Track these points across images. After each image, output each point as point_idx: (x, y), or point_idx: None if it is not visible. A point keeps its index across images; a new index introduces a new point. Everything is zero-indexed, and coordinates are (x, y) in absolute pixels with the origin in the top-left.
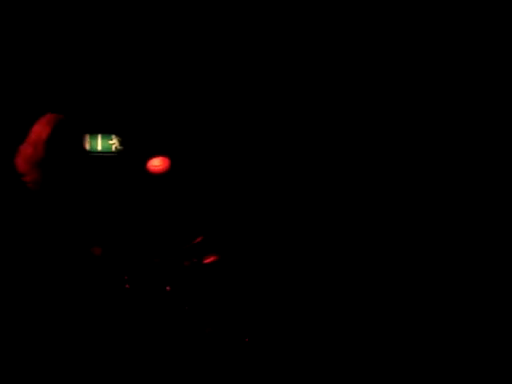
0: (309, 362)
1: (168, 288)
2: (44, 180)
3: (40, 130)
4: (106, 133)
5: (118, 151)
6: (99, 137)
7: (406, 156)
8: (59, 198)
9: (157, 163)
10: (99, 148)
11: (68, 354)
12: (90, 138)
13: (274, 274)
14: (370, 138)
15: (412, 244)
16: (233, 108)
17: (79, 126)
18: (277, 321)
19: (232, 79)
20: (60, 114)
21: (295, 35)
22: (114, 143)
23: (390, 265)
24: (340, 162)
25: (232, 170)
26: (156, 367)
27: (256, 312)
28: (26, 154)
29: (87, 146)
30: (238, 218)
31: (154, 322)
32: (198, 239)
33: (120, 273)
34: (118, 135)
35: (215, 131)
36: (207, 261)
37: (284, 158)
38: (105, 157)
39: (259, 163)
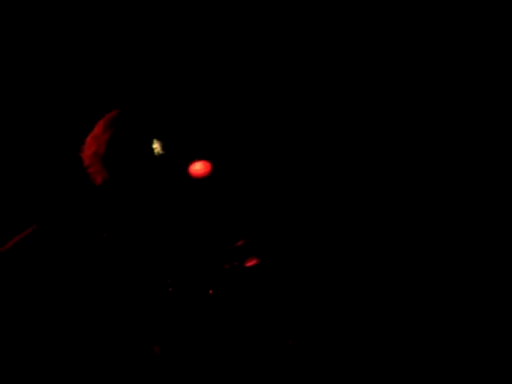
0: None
1: (211, 291)
2: (105, 174)
3: (102, 128)
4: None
5: (159, 155)
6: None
7: (405, 156)
8: (119, 194)
9: (198, 167)
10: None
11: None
12: None
13: (313, 277)
14: (370, 137)
15: (412, 243)
16: (271, 115)
17: (146, 126)
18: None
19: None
20: (125, 112)
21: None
22: (156, 147)
23: (390, 264)
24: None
25: (273, 174)
26: (195, 366)
27: (295, 315)
28: (89, 149)
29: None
30: (278, 221)
31: (195, 324)
32: (240, 243)
33: (163, 276)
34: (159, 139)
35: (257, 136)
36: (248, 264)
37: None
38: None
39: (299, 168)
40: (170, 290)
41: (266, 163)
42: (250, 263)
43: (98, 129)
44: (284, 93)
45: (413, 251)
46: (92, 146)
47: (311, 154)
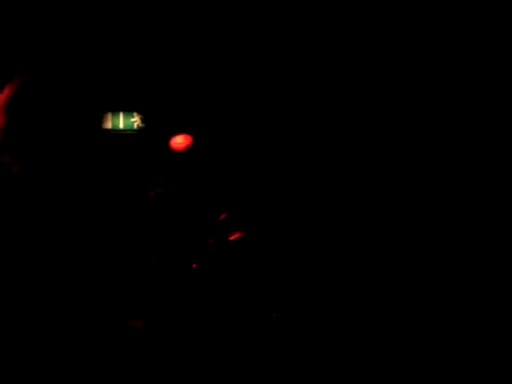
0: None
1: (194, 265)
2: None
3: (3, 94)
4: (128, 111)
5: (139, 129)
6: (121, 115)
7: (405, 156)
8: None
9: (179, 141)
10: (121, 126)
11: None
12: (112, 116)
13: (297, 251)
14: (370, 137)
15: (412, 243)
16: (257, 86)
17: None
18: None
19: (252, 58)
20: (25, 76)
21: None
22: (135, 121)
23: (390, 264)
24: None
25: (256, 147)
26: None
27: (280, 290)
28: None
29: (108, 125)
30: (261, 195)
31: (181, 299)
32: (222, 216)
33: (147, 251)
34: (139, 113)
35: (239, 109)
36: (232, 238)
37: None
38: (127, 135)
39: (284, 140)
40: (154, 265)
41: (249, 134)
42: (234, 237)
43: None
44: (265, 69)
45: (413, 250)
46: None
47: (295, 126)
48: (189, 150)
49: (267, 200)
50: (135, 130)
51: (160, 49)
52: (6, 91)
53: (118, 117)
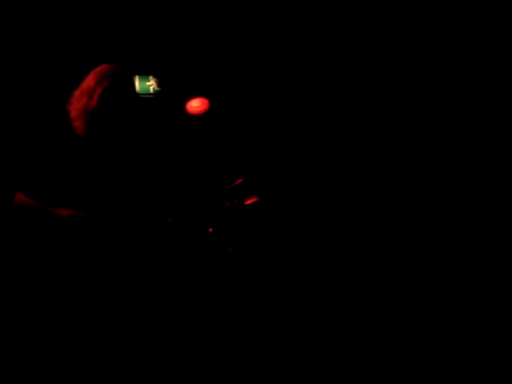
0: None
1: (210, 229)
2: (92, 127)
3: (94, 81)
4: (144, 74)
5: (156, 93)
6: (137, 78)
7: (405, 156)
8: (106, 143)
9: (196, 104)
10: (137, 90)
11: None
12: None
13: (310, 217)
14: (370, 137)
15: (412, 243)
16: (272, 51)
17: (130, 73)
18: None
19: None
20: (109, 64)
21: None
22: (151, 84)
23: (390, 264)
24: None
25: (272, 112)
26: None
27: (294, 254)
28: (78, 102)
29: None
30: (277, 159)
31: (196, 264)
32: (239, 181)
33: (163, 215)
34: (155, 76)
35: (255, 74)
36: (248, 202)
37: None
38: (143, 99)
39: (298, 107)
40: (171, 228)
41: (264, 101)
42: (250, 201)
43: (88, 82)
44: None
45: (413, 250)
46: (82, 99)
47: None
48: (205, 114)
49: (283, 165)
50: (151, 94)
51: (175, 12)
52: (91, 79)
53: (134, 81)
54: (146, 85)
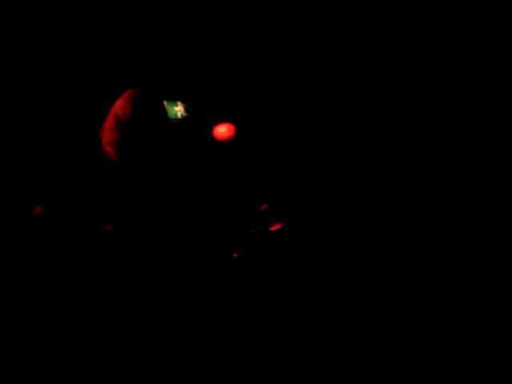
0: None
1: (235, 255)
2: (123, 152)
3: (122, 106)
4: (172, 99)
5: (183, 118)
6: (165, 104)
7: (405, 156)
8: (139, 168)
9: (223, 130)
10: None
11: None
12: None
13: (336, 243)
14: (370, 137)
15: (412, 243)
16: (297, 77)
17: (159, 97)
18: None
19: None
20: (140, 89)
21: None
22: (179, 110)
23: (390, 264)
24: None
25: (297, 138)
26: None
27: (319, 280)
28: (108, 127)
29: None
30: (303, 185)
31: (220, 288)
32: (264, 206)
33: (189, 239)
34: (183, 102)
35: (282, 100)
36: (273, 228)
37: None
38: (171, 124)
39: (324, 130)
40: (197, 252)
41: (290, 127)
42: (275, 227)
43: (116, 107)
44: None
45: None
46: (111, 124)
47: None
48: (232, 140)
49: (309, 192)
50: (179, 119)
51: (203, 40)
52: (120, 104)
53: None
54: (174, 110)
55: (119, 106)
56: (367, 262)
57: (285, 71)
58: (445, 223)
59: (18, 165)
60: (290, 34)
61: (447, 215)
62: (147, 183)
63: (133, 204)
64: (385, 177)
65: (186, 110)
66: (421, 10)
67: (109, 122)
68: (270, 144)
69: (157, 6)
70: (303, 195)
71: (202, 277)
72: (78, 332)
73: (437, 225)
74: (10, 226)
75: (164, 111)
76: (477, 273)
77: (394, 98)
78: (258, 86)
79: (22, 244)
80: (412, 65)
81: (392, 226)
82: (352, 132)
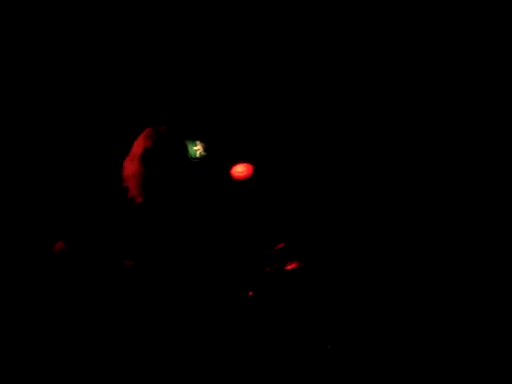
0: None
1: (250, 293)
2: (145, 191)
3: (138, 145)
4: (191, 139)
5: (202, 157)
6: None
7: (405, 156)
8: (159, 204)
9: (240, 169)
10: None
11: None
12: None
13: (355, 282)
14: (370, 137)
15: (412, 243)
16: (316, 117)
17: (178, 135)
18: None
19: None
20: (159, 126)
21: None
22: (198, 149)
23: (390, 265)
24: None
25: (314, 177)
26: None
27: (337, 318)
28: (128, 162)
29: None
30: (320, 225)
31: (236, 325)
32: (280, 245)
33: (206, 277)
34: (202, 141)
35: (299, 139)
36: (289, 267)
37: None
38: (192, 163)
39: (341, 171)
40: (213, 290)
41: (307, 166)
42: (291, 266)
43: (136, 143)
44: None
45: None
46: (130, 165)
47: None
48: (249, 179)
49: (325, 232)
50: (198, 158)
51: (221, 79)
52: (141, 141)
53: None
54: (193, 149)
55: (137, 141)
56: (381, 302)
57: (300, 112)
58: (445, 223)
59: (42, 199)
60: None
61: (447, 215)
62: (167, 220)
63: (152, 240)
64: (400, 204)
65: (205, 149)
66: (421, 10)
67: (131, 157)
68: (287, 184)
69: (179, 43)
70: (319, 235)
71: (218, 314)
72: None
73: (438, 225)
74: (32, 260)
75: (185, 148)
76: (477, 273)
77: (396, 102)
78: (275, 126)
79: (45, 279)
80: (412, 65)
81: (403, 255)
82: (365, 171)
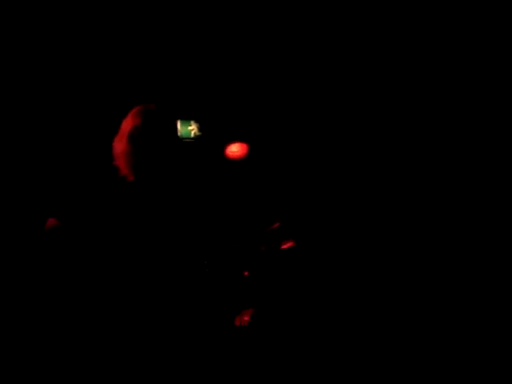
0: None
1: (246, 273)
2: (135, 170)
3: (127, 123)
4: (186, 119)
5: (196, 137)
6: (178, 123)
7: (405, 156)
8: (150, 182)
9: (235, 149)
10: (179, 134)
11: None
12: None
13: (348, 260)
14: (370, 137)
15: (412, 243)
16: (311, 94)
17: (169, 113)
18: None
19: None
20: (149, 104)
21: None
22: (193, 129)
23: (390, 265)
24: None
25: (310, 156)
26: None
27: (332, 297)
28: (118, 141)
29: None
30: (315, 203)
31: (230, 306)
32: (276, 225)
33: (200, 257)
34: (196, 121)
35: (293, 118)
36: (284, 246)
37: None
38: (184, 143)
39: (336, 148)
40: (207, 270)
41: (302, 146)
42: (287, 245)
43: (125, 121)
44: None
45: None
46: (119, 144)
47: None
48: (244, 159)
49: (321, 211)
50: (192, 138)
51: (215, 57)
52: (129, 119)
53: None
54: (188, 129)
55: (126, 120)
56: (378, 280)
57: (298, 91)
58: (445, 223)
59: (31, 177)
60: (305, 55)
61: (447, 215)
62: (159, 198)
63: (146, 218)
64: (396, 194)
65: (200, 129)
66: (421, 10)
67: (120, 136)
68: (282, 163)
69: (175, 23)
70: (315, 214)
71: (213, 294)
72: (79, 337)
73: (438, 226)
74: (21, 238)
75: (175, 127)
76: (477, 273)
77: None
78: (270, 106)
79: (35, 256)
80: (412, 65)
81: (403, 246)
82: (364, 151)
